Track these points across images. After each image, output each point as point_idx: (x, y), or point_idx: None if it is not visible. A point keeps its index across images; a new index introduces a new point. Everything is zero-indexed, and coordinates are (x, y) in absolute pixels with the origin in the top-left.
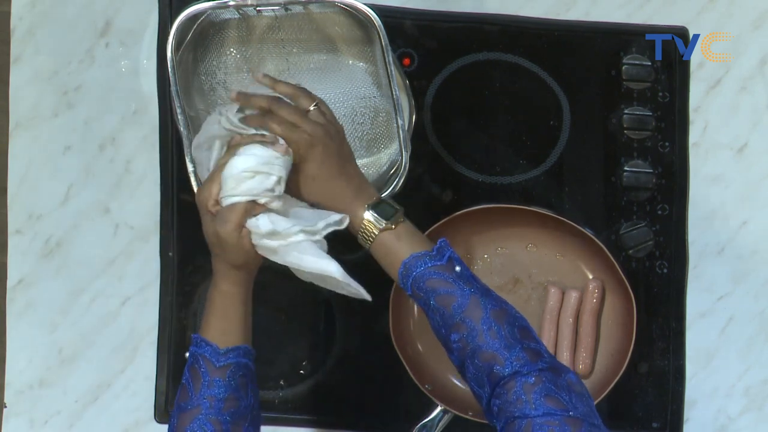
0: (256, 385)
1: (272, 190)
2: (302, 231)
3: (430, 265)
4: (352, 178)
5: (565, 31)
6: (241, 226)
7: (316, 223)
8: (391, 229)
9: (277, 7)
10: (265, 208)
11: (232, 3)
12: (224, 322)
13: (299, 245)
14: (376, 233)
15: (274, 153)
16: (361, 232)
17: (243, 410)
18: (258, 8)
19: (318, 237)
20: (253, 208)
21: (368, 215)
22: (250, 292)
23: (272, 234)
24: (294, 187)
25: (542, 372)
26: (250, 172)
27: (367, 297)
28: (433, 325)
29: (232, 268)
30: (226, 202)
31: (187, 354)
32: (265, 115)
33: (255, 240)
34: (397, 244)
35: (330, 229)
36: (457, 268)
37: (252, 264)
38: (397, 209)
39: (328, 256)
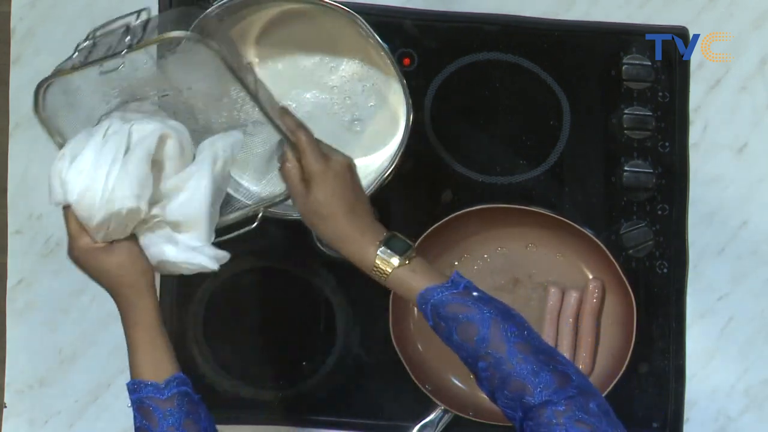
0: (206, 409)
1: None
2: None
3: (447, 292)
4: (364, 216)
5: (565, 31)
6: (75, 235)
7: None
8: (406, 264)
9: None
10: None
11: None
12: (147, 356)
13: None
14: (390, 270)
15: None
16: (375, 270)
17: None
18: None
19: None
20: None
21: (381, 252)
22: (150, 313)
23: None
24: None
25: (571, 399)
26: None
27: (214, 267)
28: (460, 356)
29: (115, 294)
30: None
31: (128, 405)
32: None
33: (102, 237)
34: (412, 277)
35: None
36: (475, 293)
37: (120, 273)
38: (410, 245)
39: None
